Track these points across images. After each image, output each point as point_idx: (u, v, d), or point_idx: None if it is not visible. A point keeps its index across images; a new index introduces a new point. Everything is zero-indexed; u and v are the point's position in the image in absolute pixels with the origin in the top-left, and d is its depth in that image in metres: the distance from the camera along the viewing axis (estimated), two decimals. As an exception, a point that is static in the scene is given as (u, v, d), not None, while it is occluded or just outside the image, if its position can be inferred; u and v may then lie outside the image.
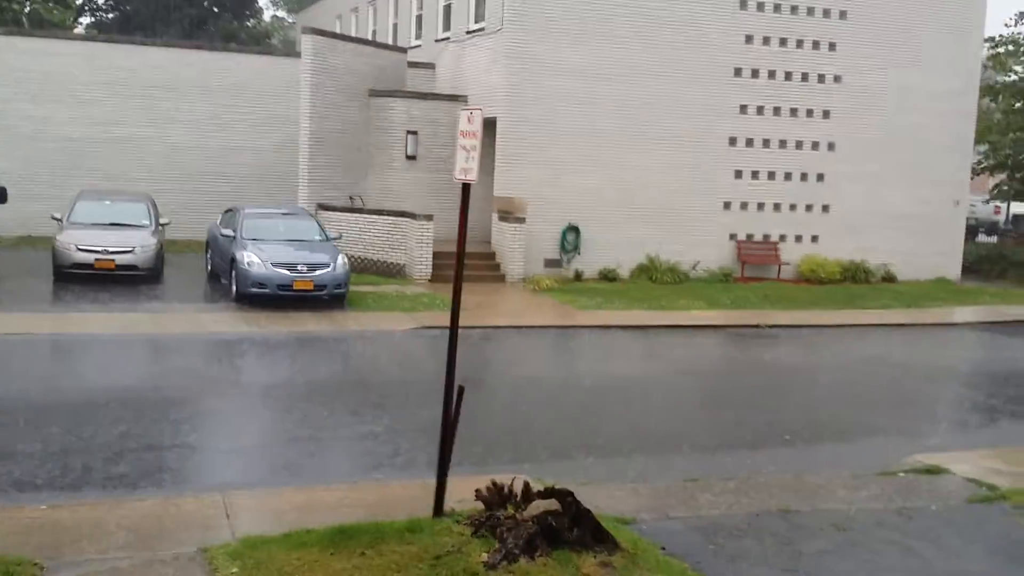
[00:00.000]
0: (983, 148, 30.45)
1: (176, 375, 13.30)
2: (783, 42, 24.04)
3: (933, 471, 9.93)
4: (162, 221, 20.27)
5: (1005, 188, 30.87)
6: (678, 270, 23.15)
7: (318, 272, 17.54)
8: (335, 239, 19.09)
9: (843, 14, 24.45)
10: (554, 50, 22.07)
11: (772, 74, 24.03)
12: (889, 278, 25.08)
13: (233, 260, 17.79)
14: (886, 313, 20.86)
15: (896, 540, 8.03)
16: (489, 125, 20.61)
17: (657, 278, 22.70)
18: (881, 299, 22.25)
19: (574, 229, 22.58)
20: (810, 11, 24.18)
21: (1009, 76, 29.20)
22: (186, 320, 16.20)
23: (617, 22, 22.48)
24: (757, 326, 18.76)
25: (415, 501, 7.79)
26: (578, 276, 22.49)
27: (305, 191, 22.75)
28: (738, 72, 23.71)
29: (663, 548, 7.42)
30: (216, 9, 43.95)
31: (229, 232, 18.64)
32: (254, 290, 17.34)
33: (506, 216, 22.08)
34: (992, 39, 28.82)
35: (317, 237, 18.90)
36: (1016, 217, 39.32)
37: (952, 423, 12.95)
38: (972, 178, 28.00)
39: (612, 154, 22.71)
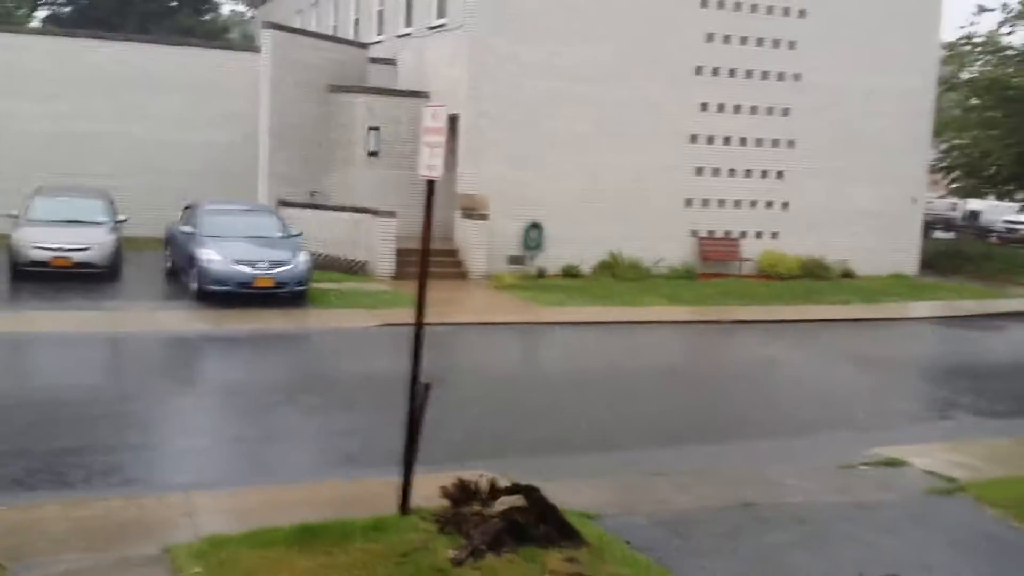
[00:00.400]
0: (942, 146, 30.86)
1: (135, 374, 13.15)
2: (743, 40, 24.23)
3: (893, 463, 10.07)
4: (120, 218, 20.00)
5: (962, 185, 31.35)
6: (640, 266, 23.26)
7: (279, 269, 17.40)
8: (296, 236, 18.93)
9: (802, 13, 24.69)
10: (516, 47, 22.07)
11: (733, 72, 24.21)
12: (848, 274, 25.38)
13: (193, 257, 17.59)
14: (845, 308, 21.12)
15: (857, 532, 8.13)
16: (451, 122, 20.56)
17: (620, 274, 22.79)
18: (840, 294, 22.52)
19: (537, 226, 22.60)
20: (770, 10, 24.39)
21: (968, 72, 29.61)
22: (144, 318, 16.01)
23: (577, 19, 22.52)
24: (718, 322, 18.90)
25: (381, 499, 7.75)
26: (541, 273, 22.52)
27: (265, 187, 22.56)
28: (699, 70, 23.87)
29: (628, 542, 7.46)
30: (174, 3, 43.43)
31: (188, 229, 18.43)
32: (214, 287, 17.16)
33: (469, 213, 22.05)
34: (951, 44, 29.25)
35: (278, 234, 18.74)
36: (972, 213, 39.96)
37: (911, 416, 13.13)
38: (930, 176, 28.45)
39: (574, 151, 22.75)
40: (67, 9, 44.28)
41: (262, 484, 8.66)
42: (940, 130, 28.75)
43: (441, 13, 23.77)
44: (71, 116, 25.21)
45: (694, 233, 24.40)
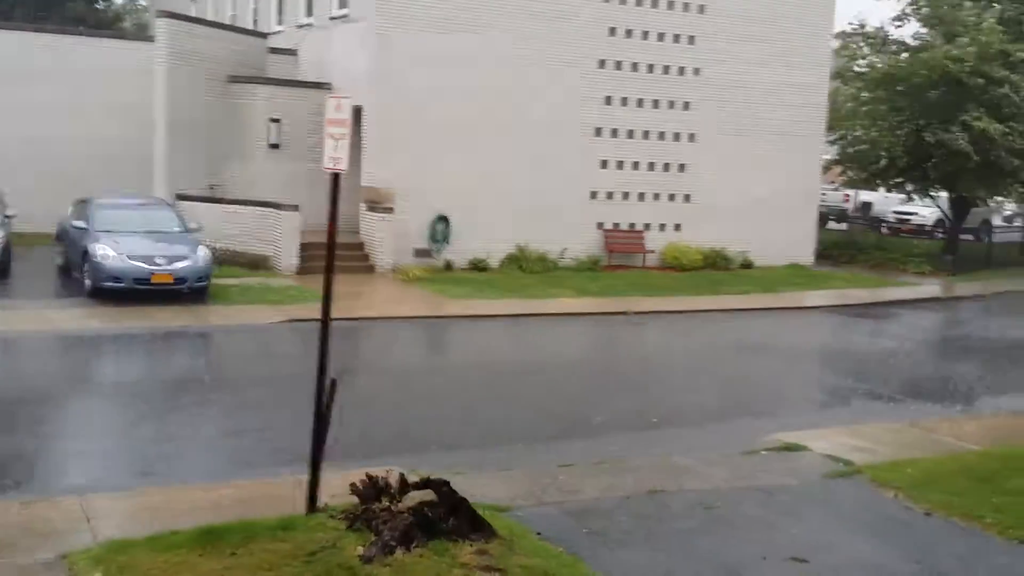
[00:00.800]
0: (833, 138, 31.75)
1: (25, 375, 12.64)
2: (645, 35, 24.55)
3: (792, 448, 10.35)
4: (8, 213, 19.22)
5: (854, 177, 32.31)
6: (547, 259, 23.38)
7: (178, 264, 16.96)
8: (195, 230, 18.48)
9: (701, 8, 25.13)
10: (419, 38, 21.90)
11: (635, 66, 24.50)
12: (747, 264, 25.96)
13: (86, 253, 17.02)
14: (746, 298, 21.61)
15: (760, 515, 8.33)
16: (355, 113, 20.27)
17: (527, 267, 22.88)
18: (740, 285, 23.03)
19: (443, 219, 22.51)
20: (670, 5, 24.75)
21: (859, 66, 30.48)
22: (35, 317, 15.40)
23: (483, 12, 22.49)
24: (624, 313, 19.14)
25: (288, 498, 7.62)
26: (448, 266, 22.45)
27: (162, 181, 21.95)
28: (602, 64, 24.08)
29: (539, 533, 7.49)
30: (64, -9, 41.86)
31: (81, 224, 17.82)
32: (109, 284, 16.63)
33: (374, 206, 21.85)
34: (844, 34, 30.14)
35: (176, 228, 18.26)
36: (864, 204, 41.25)
37: (809, 402, 13.52)
38: (825, 170, 29.28)
39: (479, 144, 22.73)
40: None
41: (163, 486, 8.43)
42: (833, 123, 29.61)
43: (343, 3, 23.45)
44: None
45: (600, 226, 24.64)
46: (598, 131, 24.25)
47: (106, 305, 16.34)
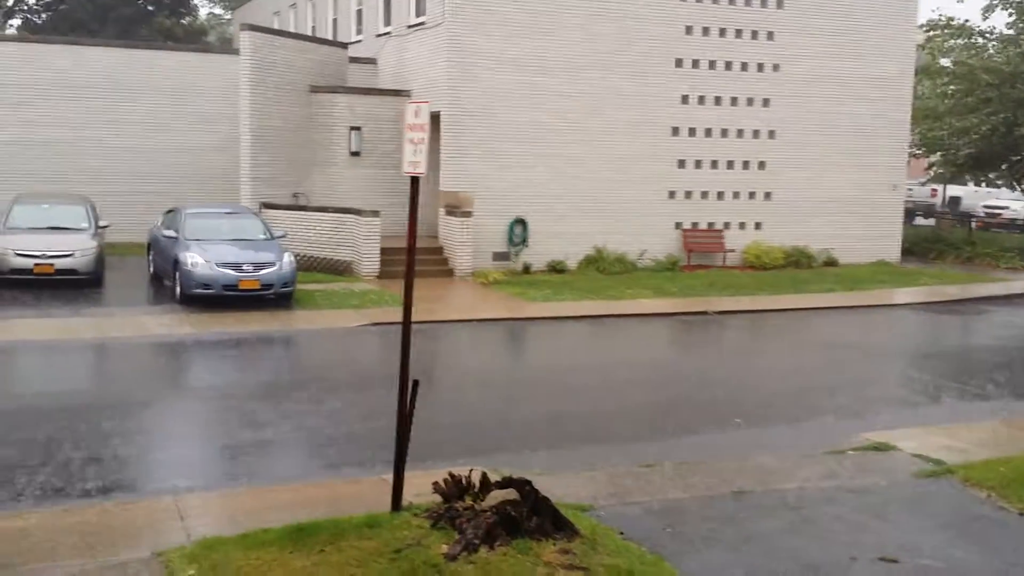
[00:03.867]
0: (918, 132, 31.00)
1: (120, 380, 13.09)
2: (722, 32, 24.30)
3: (881, 448, 10.15)
4: (102, 224, 19.91)
5: (941, 171, 31.50)
6: (625, 260, 23.31)
7: (264, 271, 17.37)
8: (280, 237, 18.91)
9: (779, 3, 24.77)
10: (496, 43, 22.07)
11: (712, 64, 24.27)
12: (831, 262, 25.51)
13: (176, 261, 17.54)
14: (830, 296, 21.21)
15: (847, 516, 8.19)
16: (433, 119, 20.51)
17: (605, 268, 22.85)
18: (824, 283, 22.62)
19: (521, 222, 22.62)
20: (747, 1, 24.46)
21: (945, 60, 29.73)
22: (129, 324, 15.92)
23: (558, 15, 22.55)
24: (704, 313, 18.97)
25: (373, 497, 7.76)
26: (526, 269, 22.54)
27: (248, 190, 22.50)
28: (679, 63, 23.91)
29: (621, 533, 7.49)
30: (151, 8, 43.21)
31: (171, 233, 18.38)
32: (199, 291, 17.12)
33: (453, 210, 22.05)
34: (931, 24, 29.41)
35: (262, 236, 18.70)
36: (952, 199, 40.18)
37: (898, 401, 13.21)
38: (908, 162, 28.59)
39: (556, 146, 22.79)
40: (43, 16, 43.99)
41: (254, 485, 8.65)
42: (919, 116, 28.89)
43: (420, 11, 23.75)
44: (44, 123, 25.06)
45: (678, 225, 24.46)
46: (675, 130, 24.08)
47: (196, 311, 16.82)
